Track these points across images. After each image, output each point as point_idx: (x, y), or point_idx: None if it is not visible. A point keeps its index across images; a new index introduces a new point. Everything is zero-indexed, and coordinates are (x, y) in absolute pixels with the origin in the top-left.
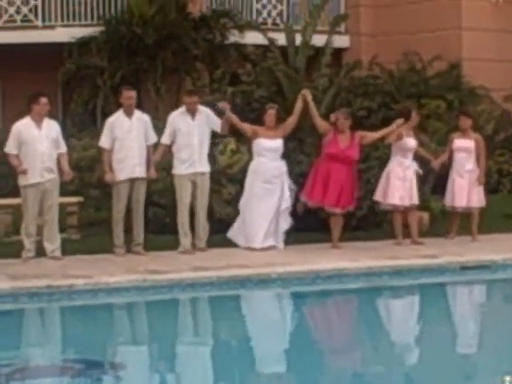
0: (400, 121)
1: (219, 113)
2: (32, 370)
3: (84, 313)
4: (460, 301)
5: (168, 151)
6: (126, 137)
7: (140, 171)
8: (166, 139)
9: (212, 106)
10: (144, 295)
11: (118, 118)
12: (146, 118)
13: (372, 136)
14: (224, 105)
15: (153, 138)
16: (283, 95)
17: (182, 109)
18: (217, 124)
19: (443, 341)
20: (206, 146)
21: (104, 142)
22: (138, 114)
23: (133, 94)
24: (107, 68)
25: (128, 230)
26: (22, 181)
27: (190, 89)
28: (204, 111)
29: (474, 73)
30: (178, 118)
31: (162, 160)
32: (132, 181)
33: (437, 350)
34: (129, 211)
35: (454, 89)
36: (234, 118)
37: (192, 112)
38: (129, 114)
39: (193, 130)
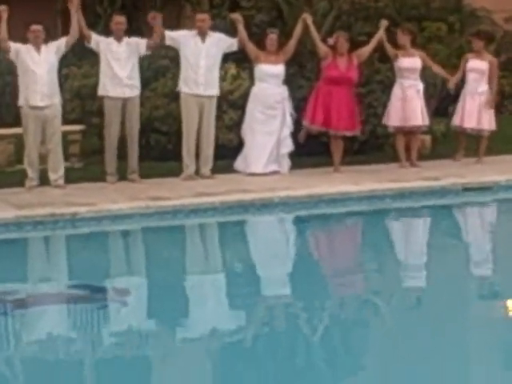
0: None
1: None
2: (38, 297)
3: (88, 240)
4: (463, 222)
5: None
6: (113, 61)
7: (129, 92)
8: (169, 32)
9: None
10: (147, 222)
11: (109, 42)
12: (135, 40)
13: (366, 50)
14: (237, 16)
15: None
16: (283, 20)
17: (194, 32)
18: (232, 43)
19: (446, 262)
20: (216, 70)
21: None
22: (126, 39)
23: (122, 19)
24: None
25: (125, 157)
26: (22, 102)
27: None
28: (215, 35)
29: None
30: (188, 36)
31: (163, 88)
32: (123, 104)
33: (440, 271)
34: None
35: (454, 11)
36: (244, 34)
37: (202, 35)
38: (119, 39)
39: (201, 53)
